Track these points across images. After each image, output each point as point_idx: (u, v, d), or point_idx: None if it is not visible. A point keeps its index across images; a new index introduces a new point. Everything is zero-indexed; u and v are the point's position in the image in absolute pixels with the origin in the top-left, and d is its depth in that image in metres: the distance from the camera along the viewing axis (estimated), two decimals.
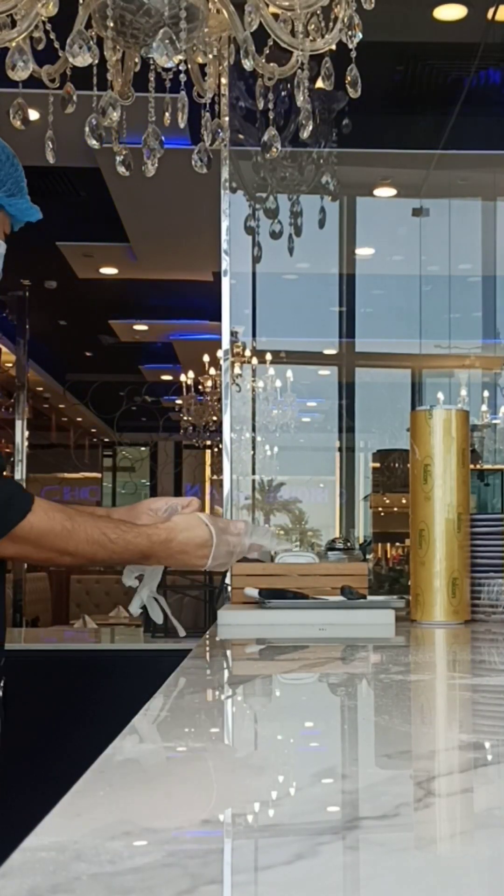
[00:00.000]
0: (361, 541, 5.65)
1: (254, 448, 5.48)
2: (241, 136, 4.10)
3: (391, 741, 1.02)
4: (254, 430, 5.52)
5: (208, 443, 10.57)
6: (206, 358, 9.23)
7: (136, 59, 2.11)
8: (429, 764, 0.90)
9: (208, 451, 11.98)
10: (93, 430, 14.45)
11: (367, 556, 4.99)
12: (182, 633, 1.83)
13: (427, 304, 5.74)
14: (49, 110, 2.05)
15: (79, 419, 14.16)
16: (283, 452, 6.21)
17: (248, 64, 1.83)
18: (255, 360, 5.56)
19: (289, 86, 1.96)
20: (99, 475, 14.43)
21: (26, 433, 6.46)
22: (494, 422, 5.56)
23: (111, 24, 1.80)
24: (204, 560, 1.63)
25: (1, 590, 1.64)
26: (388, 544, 5.39)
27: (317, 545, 6.05)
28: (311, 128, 1.92)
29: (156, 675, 1.37)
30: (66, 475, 13.56)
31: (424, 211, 5.62)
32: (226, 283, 3.64)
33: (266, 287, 5.32)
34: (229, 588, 2.58)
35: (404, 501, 4.33)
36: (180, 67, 1.98)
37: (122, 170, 2.11)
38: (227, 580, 2.84)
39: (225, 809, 0.75)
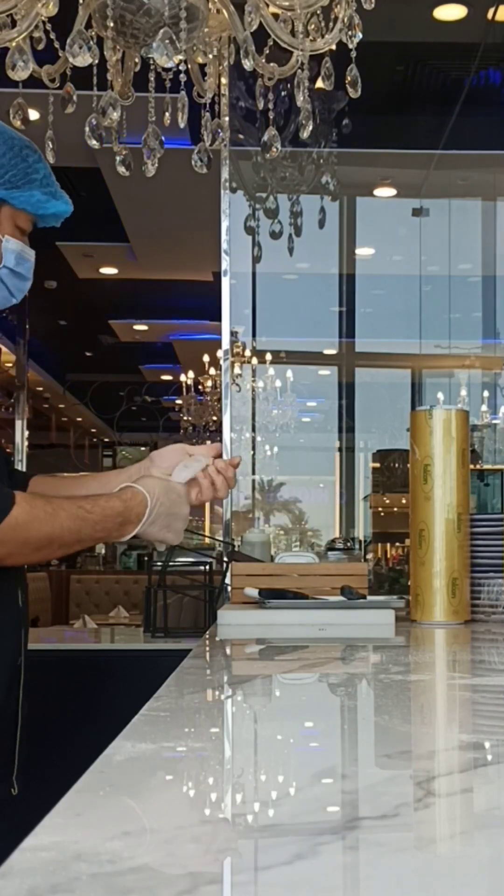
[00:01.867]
0: (361, 540, 5.65)
1: (254, 448, 5.49)
2: (241, 136, 4.10)
3: (391, 741, 1.02)
4: (254, 430, 5.52)
5: (208, 443, 10.56)
6: (206, 358, 9.23)
7: (136, 59, 2.11)
8: (429, 764, 0.90)
9: None
10: (93, 430, 14.46)
11: (367, 557, 4.99)
12: None
13: (427, 304, 5.74)
14: (49, 110, 2.05)
15: (79, 419, 14.16)
16: (283, 452, 6.21)
17: (248, 64, 1.83)
18: (255, 360, 5.56)
19: (289, 86, 1.96)
20: None
21: (26, 433, 6.46)
22: (494, 422, 5.56)
23: (111, 24, 1.80)
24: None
25: (23, 583, 1.62)
26: (388, 544, 5.39)
27: (317, 545, 6.06)
28: (311, 128, 1.92)
29: (156, 675, 1.37)
30: (67, 475, 13.53)
31: (424, 211, 5.62)
32: (226, 283, 3.64)
33: (266, 287, 5.32)
34: (229, 588, 2.58)
35: (404, 501, 4.33)
36: (180, 67, 1.98)
37: (122, 170, 2.11)
38: (228, 580, 2.84)
39: (225, 809, 0.75)
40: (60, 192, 1.59)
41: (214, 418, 9.60)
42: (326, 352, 6.25)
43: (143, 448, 14.63)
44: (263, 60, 1.98)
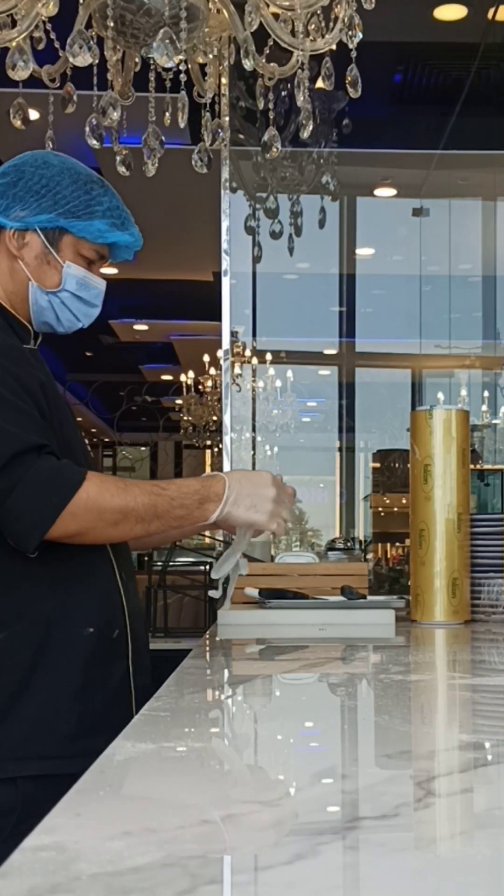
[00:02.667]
0: (361, 540, 5.65)
1: (254, 448, 5.48)
2: (241, 136, 4.11)
3: (391, 741, 1.02)
4: (254, 430, 5.52)
5: (208, 443, 10.57)
6: (206, 358, 9.23)
7: (136, 59, 2.11)
8: (429, 764, 0.90)
9: (208, 451, 11.99)
10: (93, 430, 14.46)
11: (367, 557, 4.99)
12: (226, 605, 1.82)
13: (427, 304, 5.75)
14: (49, 110, 2.05)
15: (79, 419, 14.15)
16: (283, 452, 6.21)
17: (248, 64, 1.83)
18: (255, 360, 5.56)
19: (289, 86, 1.96)
20: None
21: None
22: (494, 422, 5.56)
23: (111, 24, 1.80)
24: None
25: (123, 560, 1.61)
26: (388, 544, 5.39)
27: (317, 545, 6.06)
28: (311, 128, 1.92)
29: (156, 675, 1.37)
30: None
31: (424, 211, 5.63)
32: (226, 283, 3.65)
33: (266, 287, 5.32)
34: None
35: (404, 501, 4.33)
36: (180, 67, 1.98)
37: (122, 170, 2.11)
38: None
39: (225, 809, 0.75)
40: (129, 224, 1.66)
41: (214, 418, 9.60)
42: (326, 352, 6.25)
43: (142, 448, 14.63)
44: (263, 60, 1.98)
